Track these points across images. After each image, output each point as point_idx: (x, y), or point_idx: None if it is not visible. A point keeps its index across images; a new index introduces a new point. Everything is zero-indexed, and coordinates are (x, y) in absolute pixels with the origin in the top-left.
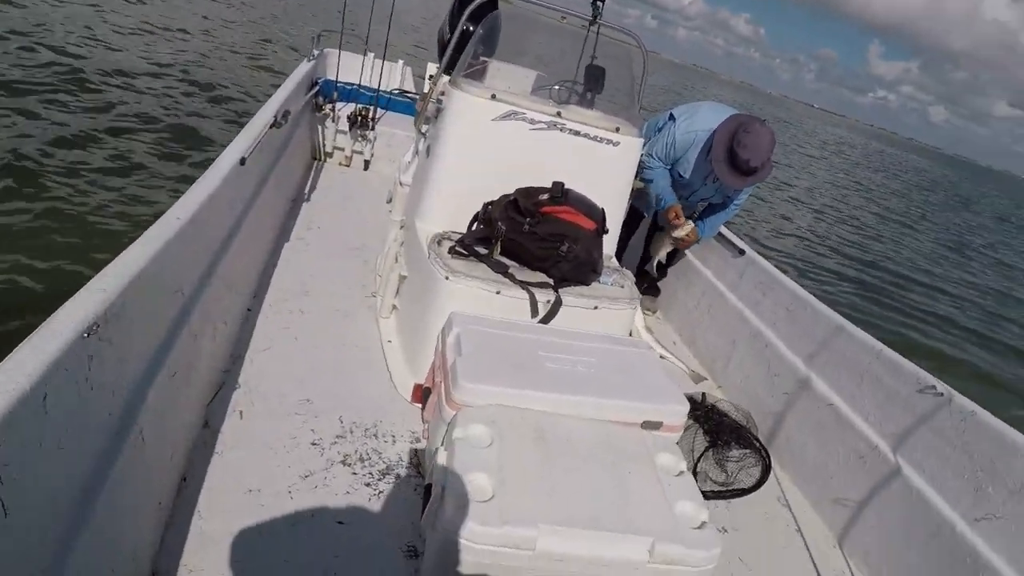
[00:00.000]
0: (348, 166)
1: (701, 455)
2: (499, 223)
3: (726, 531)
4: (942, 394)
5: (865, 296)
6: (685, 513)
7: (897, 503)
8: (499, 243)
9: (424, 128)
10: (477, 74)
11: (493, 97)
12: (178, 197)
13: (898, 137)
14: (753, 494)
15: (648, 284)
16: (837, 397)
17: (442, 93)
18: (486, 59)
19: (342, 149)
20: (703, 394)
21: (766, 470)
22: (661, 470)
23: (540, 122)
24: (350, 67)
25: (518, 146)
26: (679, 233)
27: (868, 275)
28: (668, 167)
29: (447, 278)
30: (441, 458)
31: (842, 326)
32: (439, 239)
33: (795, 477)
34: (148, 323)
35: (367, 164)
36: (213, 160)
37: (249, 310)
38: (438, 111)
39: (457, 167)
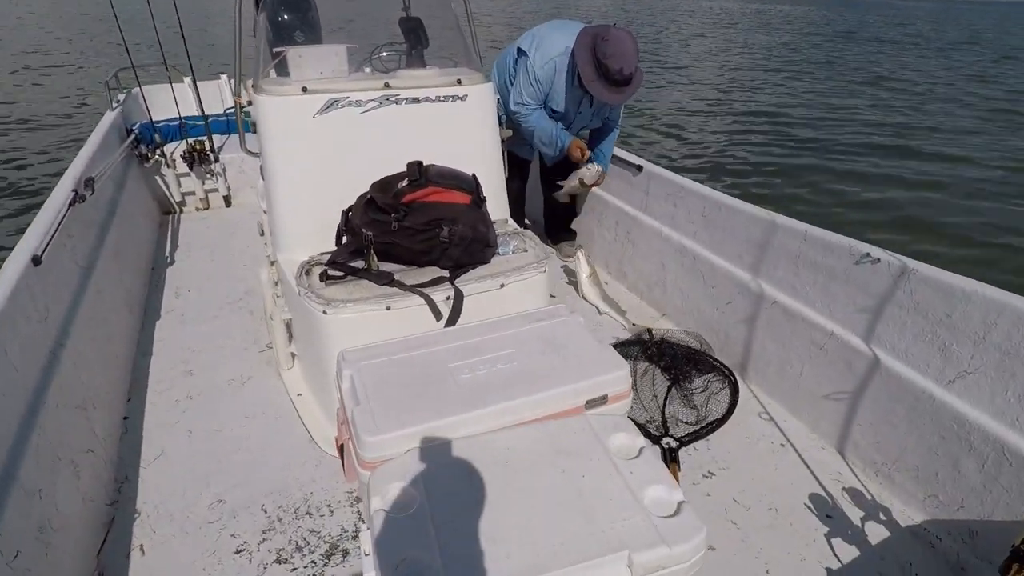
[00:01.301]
0: (207, 208)
1: (666, 398)
2: (363, 229)
3: (713, 475)
4: (879, 259)
5: (780, 170)
6: (656, 501)
7: (870, 385)
8: (372, 252)
9: (251, 146)
10: (279, 69)
11: (305, 90)
12: None
13: None
14: (729, 421)
15: (562, 228)
16: (779, 292)
17: (248, 103)
18: (282, 48)
19: (193, 193)
20: (648, 330)
21: (734, 390)
22: (617, 455)
23: (370, 101)
24: (163, 102)
25: (355, 136)
26: (589, 178)
27: (779, 147)
28: (542, 105)
29: (324, 312)
30: (366, 543)
31: (758, 216)
32: (306, 268)
33: (764, 386)
34: None
35: (227, 200)
36: None
37: (126, 418)
38: (253, 125)
39: (294, 181)
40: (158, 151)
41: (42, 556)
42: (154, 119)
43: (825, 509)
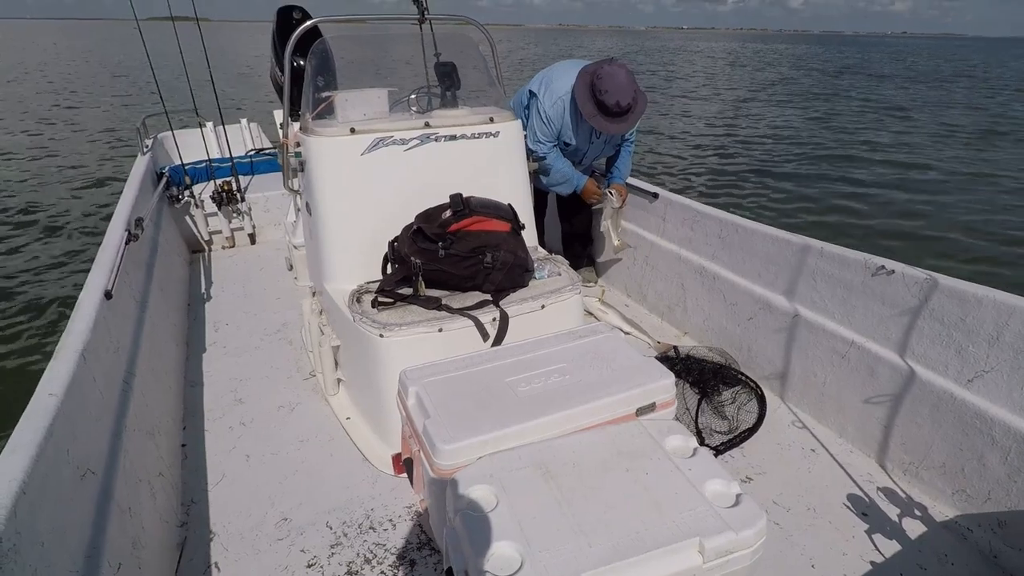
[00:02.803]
0: (233, 246)
1: (697, 410)
2: (412, 257)
3: (751, 480)
4: (893, 271)
5: (788, 196)
6: (717, 493)
7: (893, 389)
8: (420, 278)
9: (294, 184)
10: (326, 111)
11: (352, 131)
12: (43, 366)
13: (768, 31)
14: (760, 430)
15: (581, 257)
16: (799, 306)
17: (297, 144)
18: (329, 92)
19: (220, 232)
20: (674, 348)
21: (762, 401)
22: (675, 455)
23: (412, 139)
24: (192, 145)
25: (399, 173)
26: (615, 202)
27: (778, 172)
28: (555, 144)
29: (381, 336)
30: (451, 538)
31: (775, 236)
32: (357, 295)
33: (790, 396)
34: (64, 521)
35: (252, 238)
36: (74, 303)
37: (183, 446)
38: (301, 164)
39: (343, 216)
40: (187, 192)
41: (136, 570)
42: (183, 162)
43: (861, 507)
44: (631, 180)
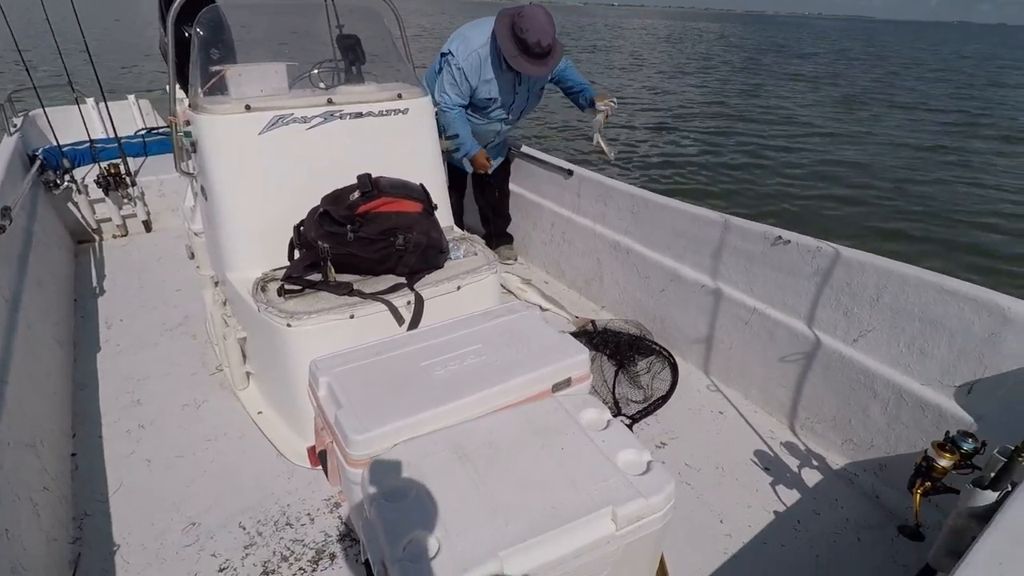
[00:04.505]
0: (126, 235)
1: (615, 381)
2: (319, 242)
3: (664, 445)
4: (789, 241)
5: (703, 171)
6: (629, 462)
7: (790, 351)
8: (329, 263)
9: (188, 167)
10: (218, 87)
11: (248, 108)
12: None
13: (694, 9)
14: (673, 397)
15: (499, 234)
16: (704, 276)
17: (187, 123)
18: (221, 66)
19: (109, 220)
20: (592, 322)
21: (674, 369)
22: (589, 428)
23: (315, 117)
24: (69, 124)
25: (302, 153)
26: (612, 108)
27: (696, 147)
28: (465, 103)
29: (289, 325)
30: (367, 529)
31: (683, 210)
32: (262, 284)
33: (700, 362)
34: None
35: (147, 225)
36: None
37: (74, 455)
38: (193, 144)
39: (242, 201)
40: (67, 176)
41: None
42: (59, 143)
43: (765, 462)
44: (544, 157)
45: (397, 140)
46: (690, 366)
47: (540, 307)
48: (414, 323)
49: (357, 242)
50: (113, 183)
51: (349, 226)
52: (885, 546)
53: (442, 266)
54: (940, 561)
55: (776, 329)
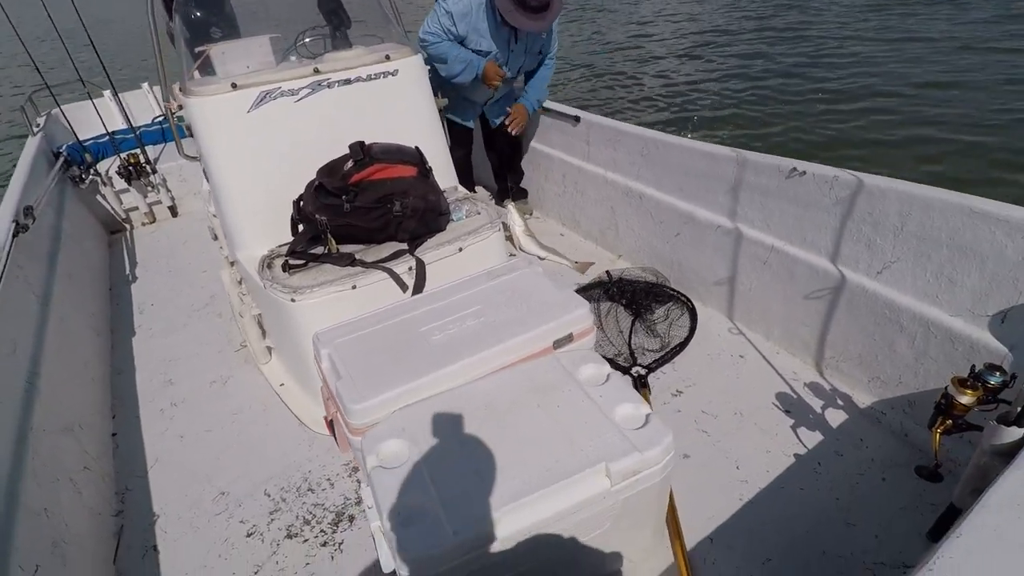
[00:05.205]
0: (154, 221)
1: (631, 331)
2: (317, 215)
3: (681, 393)
4: (804, 172)
5: (714, 103)
6: (626, 417)
7: (812, 288)
8: (329, 235)
9: (189, 152)
10: (204, 68)
11: (234, 86)
12: None
13: None
14: (692, 343)
15: (514, 188)
16: (720, 216)
17: (179, 107)
18: (204, 46)
19: (136, 208)
20: (607, 272)
21: (693, 315)
22: (587, 384)
23: (302, 89)
24: (87, 119)
25: (293, 126)
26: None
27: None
28: (453, 40)
29: (293, 300)
30: (367, 496)
31: (692, 148)
32: (268, 261)
33: (720, 306)
34: None
35: (173, 211)
36: None
37: (114, 434)
38: (189, 128)
39: (239, 180)
40: (91, 170)
41: (60, 568)
42: (80, 138)
43: (786, 405)
44: (551, 104)
45: (389, 103)
46: (710, 310)
47: (538, 256)
48: (418, 288)
49: (354, 212)
50: (135, 172)
51: (344, 196)
52: (912, 485)
53: (444, 228)
54: (964, 500)
55: (796, 266)
